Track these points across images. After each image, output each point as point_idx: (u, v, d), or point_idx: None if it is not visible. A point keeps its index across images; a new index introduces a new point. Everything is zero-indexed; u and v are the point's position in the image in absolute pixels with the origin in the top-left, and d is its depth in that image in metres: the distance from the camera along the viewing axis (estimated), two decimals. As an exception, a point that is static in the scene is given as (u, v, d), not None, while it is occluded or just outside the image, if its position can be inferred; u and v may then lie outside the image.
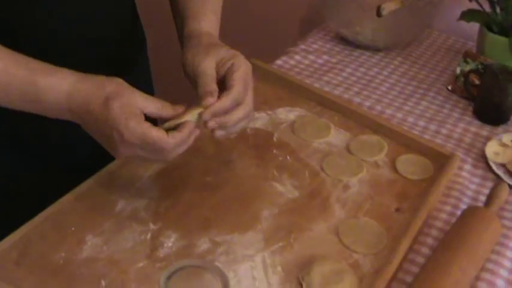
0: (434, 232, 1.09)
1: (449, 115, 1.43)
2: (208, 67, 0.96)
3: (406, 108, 1.43)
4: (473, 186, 1.22)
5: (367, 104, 1.42)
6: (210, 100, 0.92)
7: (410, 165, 1.21)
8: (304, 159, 1.20)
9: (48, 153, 1.14)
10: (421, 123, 1.38)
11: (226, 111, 0.94)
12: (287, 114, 1.31)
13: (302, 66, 1.56)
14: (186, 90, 1.02)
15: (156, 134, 0.87)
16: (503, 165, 1.26)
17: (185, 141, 0.92)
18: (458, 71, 1.50)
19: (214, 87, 0.94)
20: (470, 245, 1.00)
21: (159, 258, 0.97)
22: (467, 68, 1.49)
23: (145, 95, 0.90)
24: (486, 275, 1.02)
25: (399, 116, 1.39)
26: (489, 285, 1.00)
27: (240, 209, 1.08)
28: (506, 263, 1.05)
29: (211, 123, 0.93)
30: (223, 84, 0.95)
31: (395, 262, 0.98)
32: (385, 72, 1.57)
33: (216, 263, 0.96)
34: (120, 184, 1.09)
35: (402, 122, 1.38)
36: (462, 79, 1.49)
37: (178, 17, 1.10)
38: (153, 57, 1.36)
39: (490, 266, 1.03)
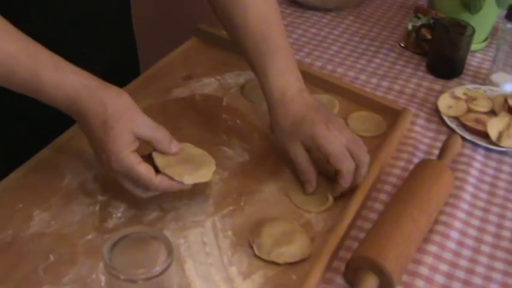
0: (387, 188, 1.09)
1: (402, 71, 1.42)
2: (298, 154, 1.03)
3: (358, 66, 1.42)
4: (427, 141, 1.21)
5: (318, 64, 1.41)
6: (310, 189, 1.04)
7: (363, 122, 1.20)
8: (254, 122, 1.18)
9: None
10: (374, 80, 1.37)
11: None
12: (236, 78, 1.29)
13: (252, 30, 1.53)
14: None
15: (143, 171, 0.89)
16: (456, 118, 1.26)
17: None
18: (410, 26, 1.49)
19: (311, 175, 1.04)
20: (422, 197, 0.99)
21: (107, 229, 0.96)
22: (419, 23, 1.48)
23: (148, 121, 0.91)
24: (440, 227, 1.02)
25: (351, 75, 1.38)
26: (443, 237, 1.00)
27: (189, 175, 1.06)
28: (460, 215, 1.05)
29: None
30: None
31: (347, 219, 0.97)
32: (336, 32, 1.55)
33: (166, 230, 0.95)
34: (68, 157, 1.06)
35: (354, 80, 1.36)
36: (414, 35, 1.48)
37: (257, 68, 1.09)
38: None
39: (443, 218, 1.03)
